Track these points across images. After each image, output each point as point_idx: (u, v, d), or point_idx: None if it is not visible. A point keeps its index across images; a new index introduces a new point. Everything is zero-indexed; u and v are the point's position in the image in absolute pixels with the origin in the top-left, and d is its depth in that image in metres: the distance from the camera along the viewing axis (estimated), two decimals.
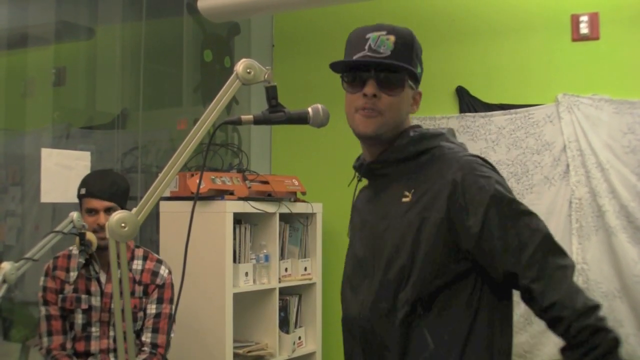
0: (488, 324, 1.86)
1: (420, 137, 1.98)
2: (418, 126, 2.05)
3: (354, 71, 1.96)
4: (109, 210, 3.18)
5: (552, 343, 4.14)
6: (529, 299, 1.80)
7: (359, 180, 2.16)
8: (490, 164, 1.93)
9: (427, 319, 1.85)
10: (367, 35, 1.94)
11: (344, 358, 2.11)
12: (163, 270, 3.38)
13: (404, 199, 1.91)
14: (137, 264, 3.35)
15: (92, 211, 3.20)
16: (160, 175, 1.76)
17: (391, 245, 1.91)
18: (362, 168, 2.09)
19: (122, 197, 3.27)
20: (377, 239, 1.97)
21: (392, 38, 1.92)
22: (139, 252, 3.40)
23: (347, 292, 2.09)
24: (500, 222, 1.80)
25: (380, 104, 1.93)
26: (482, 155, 1.97)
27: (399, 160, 1.98)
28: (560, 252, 1.85)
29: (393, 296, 1.88)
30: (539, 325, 4.11)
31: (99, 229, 3.13)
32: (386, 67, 1.92)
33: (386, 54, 1.91)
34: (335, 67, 2.00)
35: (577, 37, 4.33)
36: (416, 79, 1.99)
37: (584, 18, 4.29)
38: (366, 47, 1.93)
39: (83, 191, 3.23)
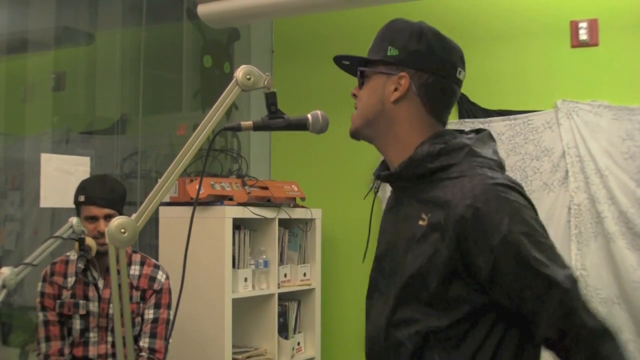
0: None
1: (439, 152, 1.76)
2: (446, 132, 1.85)
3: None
4: (108, 217, 3.18)
5: None
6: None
7: (376, 190, 1.99)
8: (518, 189, 1.70)
9: (440, 352, 1.70)
10: None
11: None
12: (160, 276, 3.38)
13: (420, 222, 1.73)
14: (135, 269, 3.35)
15: (92, 218, 3.20)
16: (160, 180, 1.76)
17: (402, 269, 1.76)
18: (380, 177, 1.90)
19: (120, 203, 3.27)
20: (393, 259, 1.83)
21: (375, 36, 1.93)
22: (137, 257, 3.40)
23: (367, 304, 1.95)
24: (512, 270, 1.61)
25: (356, 100, 1.93)
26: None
27: (416, 176, 1.79)
28: (584, 308, 1.63)
29: (403, 325, 1.75)
30: None
31: (99, 236, 3.13)
32: (353, 64, 1.93)
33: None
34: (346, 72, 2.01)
35: (576, 44, 4.34)
36: (389, 64, 1.83)
37: (583, 24, 4.30)
38: None
39: (82, 198, 3.22)
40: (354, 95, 1.93)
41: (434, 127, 1.86)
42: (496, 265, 1.61)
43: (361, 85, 1.90)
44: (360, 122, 1.89)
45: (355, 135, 1.94)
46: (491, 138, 1.88)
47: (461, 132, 1.88)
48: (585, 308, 1.63)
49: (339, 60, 1.96)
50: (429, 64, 1.83)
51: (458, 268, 1.65)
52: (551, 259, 1.63)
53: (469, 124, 4.49)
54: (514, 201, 1.65)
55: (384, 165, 1.94)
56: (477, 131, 1.89)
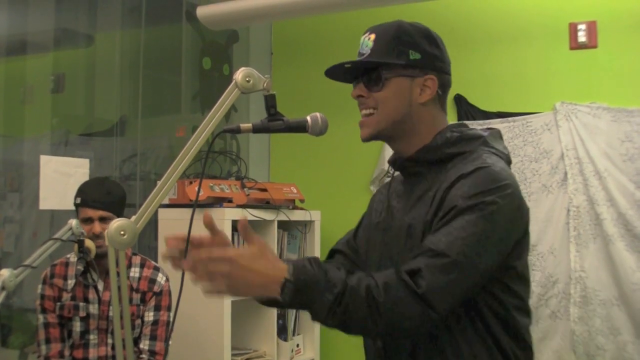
0: (503, 343, 1.81)
1: (457, 139, 1.91)
2: (461, 124, 1.99)
3: (350, 79, 2.01)
4: (103, 219, 3.18)
5: (550, 351, 4.15)
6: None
7: (392, 175, 2.08)
8: (512, 185, 1.80)
9: (440, 342, 1.80)
10: (360, 41, 1.99)
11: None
12: (160, 278, 3.38)
13: (433, 202, 1.84)
14: (135, 272, 3.35)
15: (87, 220, 3.20)
16: (160, 182, 1.76)
17: (406, 249, 1.85)
18: (396, 163, 2.02)
19: (118, 206, 3.27)
20: (397, 238, 1.91)
21: (372, 36, 1.95)
22: (136, 259, 3.40)
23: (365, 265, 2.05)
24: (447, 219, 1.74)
25: (370, 102, 1.94)
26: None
27: (432, 162, 1.92)
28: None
29: None
30: (536, 333, 4.12)
31: (94, 238, 3.13)
32: (365, 67, 1.94)
33: (367, 53, 1.94)
34: (335, 79, 2.03)
35: (575, 46, 4.34)
36: (413, 67, 1.92)
37: (582, 26, 4.30)
38: (357, 54, 1.98)
39: (78, 200, 3.23)
40: (360, 97, 1.96)
41: (444, 119, 2.00)
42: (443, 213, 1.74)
43: (377, 88, 1.93)
44: (386, 125, 1.94)
45: (375, 137, 1.97)
46: (501, 136, 2.02)
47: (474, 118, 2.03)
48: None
49: (337, 67, 1.97)
50: (444, 65, 1.97)
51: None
52: (478, 242, 1.70)
53: None
54: (500, 188, 1.75)
55: (396, 155, 2.03)
56: (490, 129, 2.01)
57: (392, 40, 1.93)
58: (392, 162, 2.04)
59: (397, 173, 2.07)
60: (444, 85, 1.97)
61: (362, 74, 1.96)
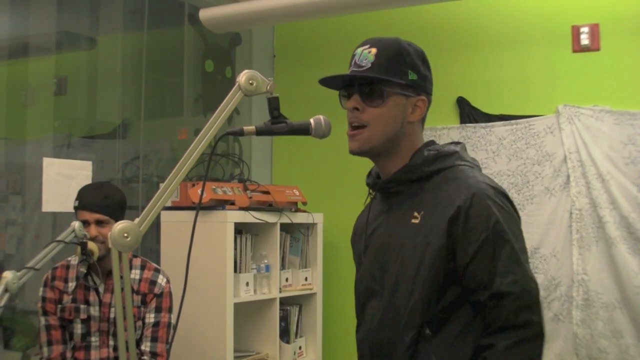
0: None
1: (435, 157, 1.99)
2: (433, 142, 2.07)
3: (343, 88, 2.03)
4: (100, 223, 3.18)
5: (553, 354, 4.14)
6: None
7: (373, 198, 2.16)
8: (504, 194, 1.94)
9: (434, 343, 1.86)
10: (355, 52, 2.01)
11: None
12: (161, 280, 3.38)
13: (413, 220, 1.93)
14: (135, 274, 3.35)
15: (84, 223, 3.20)
16: (163, 185, 1.76)
17: (398, 267, 1.93)
18: (376, 186, 2.09)
19: (116, 210, 3.26)
20: (385, 258, 1.99)
21: (373, 50, 1.97)
22: (137, 261, 3.40)
23: (359, 310, 2.14)
24: (490, 258, 1.84)
25: (363, 117, 1.96)
26: (483, 165, 1.99)
27: (412, 180, 1.99)
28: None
29: (399, 319, 1.90)
30: None
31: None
32: (366, 80, 1.96)
33: (367, 66, 1.95)
34: (325, 85, 2.06)
35: (578, 48, 4.34)
36: (410, 87, 1.98)
37: (585, 29, 4.30)
38: (352, 63, 2.00)
39: (76, 203, 3.24)
40: (355, 109, 1.97)
41: (421, 134, 2.09)
42: (479, 253, 1.83)
43: (374, 103, 1.96)
44: (378, 141, 1.98)
45: (366, 152, 2.01)
46: (466, 149, 2.13)
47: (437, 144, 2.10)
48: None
49: (334, 79, 2.01)
50: (431, 87, 2.06)
51: (444, 259, 1.86)
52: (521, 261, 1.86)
53: (471, 129, 4.49)
54: (501, 204, 1.89)
55: (374, 175, 2.11)
56: (455, 143, 2.12)
57: (395, 59, 1.96)
58: (372, 185, 2.10)
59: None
60: (428, 106, 2.06)
61: (358, 85, 1.97)
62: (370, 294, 2.03)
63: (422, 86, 2.00)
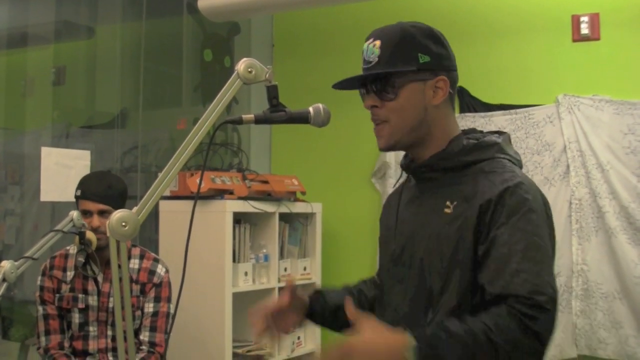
0: None
1: (474, 147, 1.90)
2: (474, 130, 2.00)
3: (361, 87, 1.97)
4: (103, 213, 3.17)
5: (552, 344, 4.13)
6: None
7: (407, 180, 2.07)
8: (542, 195, 1.84)
9: None
10: (363, 48, 1.95)
11: None
12: (160, 269, 3.38)
13: (446, 210, 1.84)
14: (134, 263, 3.35)
15: (86, 213, 3.19)
16: (161, 174, 1.75)
17: (427, 257, 1.85)
18: (409, 169, 2.00)
19: (118, 200, 3.25)
20: (415, 247, 1.91)
21: (377, 43, 1.90)
22: (136, 251, 3.40)
23: (380, 295, 2.05)
24: (508, 237, 1.73)
25: (382, 113, 1.91)
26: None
27: (447, 168, 1.91)
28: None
29: (425, 311, 1.84)
30: None
31: (92, 231, 3.12)
32: (374, 76, 1.91)
33: (374, 62, 1.90)
34: (341, 89, 2.00)
35: (578, 38, 4.33)
36: (424, 70, 1.88)
37: (585, 19, 4.29)
38: (362, 60, 1.95)
39: (78, 193, 3.22)
40: (374, 107, 1.92)
41: (455, 119, 1.99)
42: (498, 235, 1.73)
43: (389, 97, 1.90)
44: (402, 133, 1.91)
45: (393, 147, 1.95)
46: (510, 141, 2.02)
47: (481, 132, 2.01)
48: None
49: (348, 81, 1.95)
50: (451, 62, 1.95)
51: (475, 251, 1.76)
52: (538, 259, 1.71)
53: (470, 118, 4.48)
54: (534, 202, 1.78)
55: (408, 157, 2.02)
56: (499, 133, 2.00)
57: (399, 46, 1.89)
58: (405, 167, 2.01)
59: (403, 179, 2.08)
60: (454, 82, 1.95)
61: (371, 82, 1.92)
62: (397, 281, 1.95)
63: (438, 65, 1.90)
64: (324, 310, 2.11)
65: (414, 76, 1.88)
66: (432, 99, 1.90)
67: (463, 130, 1.98)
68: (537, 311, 1.63)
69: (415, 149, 1.96)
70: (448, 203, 1.84)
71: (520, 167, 1.94)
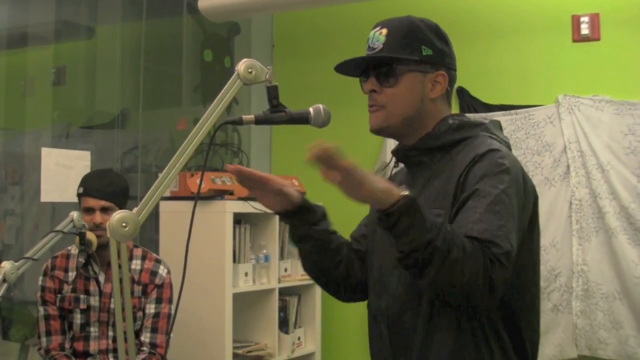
0: (512, 328, 1.84)
1: (459, 125, 1.94)
2: (461, 115, 2.02)
3: (361, 75, 2.01)
4: (105, 210, 3.18)
5: (552, 344, 4.14)
6: None
7: (396, 166, 2.09)
8: (520, 166, 1.87)
9: (449, 317, 1.80)
10: (368, 36, 1.98)
11: (369, 344, 2.08)
12: (162, 270, 3.38)
13: (436, 188, 1.88)
14: (136, 264, 3.35)
15: (89, 210, 3.19)
16: (161, 175, 1.75)
17: None
18: (398, 153, 2.03)
19: (120, 197, 3.26)
20: None
21: (384, 31, 1.95)
22: (137, 251, 3.40)
23: (376, 281, 2.04)
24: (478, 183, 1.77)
25: (380, 98, 1.94)
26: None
27: (434, 149, 1.94)
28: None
29: (419, 295, 1.85)
30: (542, 325, 4.10)
31: (95, 228, 3.12)
32: (378, 62, 1.94)
33: (378, 48, 1.94)
34: (342, 73, 2.03)
35: (578, 38, 4.33)
36: (426, 63, 1.93)
37: (585, 19, 4.28)
38: (366, 47, 1.98)
39: (81, 190, 3.23)
40: (373, 92, 1.95)
41: (449, 112, 2.02)
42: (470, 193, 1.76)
43: (390, 83, 1.93)
44: (398, 119, 1.94)
45: (383, 131, 1.99)
46: (501, 127, 2.09)
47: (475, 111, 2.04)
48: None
49: (346, 61, 1.97)
50: (452, 61, 2.00)
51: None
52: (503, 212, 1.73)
53: None
54: (511, 167, 1.81)
55: (399, 145, 2.04)
56: (490, 120, 2.06)
57: (406, 36, 1.93)
58: (395, 152, 2.04)
59: (401, 166, 2.08)
60: (452, 81, 2.00)
61: (373, 68, 1.96)
62: (393, 267, 1.93)
63: (439, 60, 1.96)
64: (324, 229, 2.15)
65: (415, 66, 1.93)
66: (430, 91, 1.95)
67: (451, 114, 2.01)
68: (494, 259, 1.65)
69: (405, 138, 1.99)
70: (435, 183, 1.89)
71: (509, 148, 1.98)
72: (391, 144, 2.06)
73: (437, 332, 1.82)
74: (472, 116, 4.45)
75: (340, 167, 1.66)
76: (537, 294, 1.92)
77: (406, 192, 1.62)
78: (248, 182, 1.98)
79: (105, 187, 3.22)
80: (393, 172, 2.15)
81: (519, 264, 1.77)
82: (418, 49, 1.93)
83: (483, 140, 1.90)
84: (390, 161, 2.09)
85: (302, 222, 2.11)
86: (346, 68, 2.00)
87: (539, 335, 1.95)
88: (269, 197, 2.07)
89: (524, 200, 1.84)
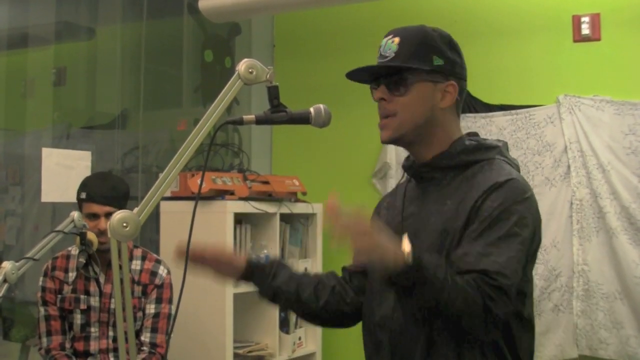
0: (511, 336, 1.86)
1: (475, 147, 1.97)
2: (475, 134, 2.05)
3: (372, 82, 2.01)
4: (109, 215, 3.17)
5: (553, 344, 4.14)
6: None
7: (409, 181, 2.10)
8: (534, 197, 1.92)
9: (451, 329, 1.82)
10: (380, 43, 2.00)
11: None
12: (162, 270, 3.38)
13: (447, 209, 1.89)
14: (136, 264, 3.35)
15: (93, 216, 3.20)
16: (162, 175, 1.75)
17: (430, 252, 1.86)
18: (411, 169, 2.04)
19: (123, 201, 3.27)
20: (419, 244, 1.87)
21: (396, 40, 1.95)
22: (138, 252, 3.40)
23: (372, 295, 2.05)
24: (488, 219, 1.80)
25: (391, 107, 1.95)
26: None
27: (448, 167, 1.96)
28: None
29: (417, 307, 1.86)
30: (539, 326, 4.11)
31: (99, 234, 3.13)
32: (389, 70, 1.95)
33: (390, 56, 1.94)
34: (353, 80, 2.04)
35: (579, 38, 4.32)
36: (437, 73, 1.95)
37: (585, 19, 4.28)
38: (378, 55, 1.99)
39: (83, 195, 3.22)
40: (382, 100, 1.96)
41: (459, 125, 2.05)
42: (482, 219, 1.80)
43: (400, 92, 1.94)
44: (408, 128, 1.95)
45: (395, 141, 2.00)
46: (508, 149, 2.09)
47: (483, 138, 2.06)
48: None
49: (362, 70, 1.98)
50: (463, 72, 2.03)
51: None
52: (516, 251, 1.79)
53: (471, 119, 4.47)
54: (526, 197, 1.87)
55: (410, 159, 2.06)
56: (498, 140, 2.08)
57: (418, 45, 1.94)
58: (407, 168, 2.05)
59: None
60: (462, 91, 2.02)
61: (384, 76, 1.96)
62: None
63: (450, 71, 1.97)
64: (289, 281, 2.10)
65: (426, 76, 1.94)
66: (440, 101, 1.96)
67: (467, 133, 2.04)
68: (498, 293, 1.70)
69: (416, 147, 2.00)
70: (448, 202, 1.89)
71: (518, 171, 2.01)
72: (392, 145, 2.05)
73: (438, 343, 1.84)
74: (476, 117, 4.46)
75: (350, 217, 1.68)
76: (532, 311, 1.96)
77: (409, 250, 1.66)
78: (196, 264, 2.07)
79: (109, 192, 3.22)
80: (401, 181, 2.15)
81: (521, 291, 1.84)
82: (430, 58, 1.94)
83: (501, 166, 1.93)
84: (403, 176, 2.12)
85: (261, 281, 2.10)
86: (357, 75, 2.00)
87: (534, 340, 1.97)
88: (220, 269, 2.13)
89: (536, 229, 1.88)
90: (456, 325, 1.77)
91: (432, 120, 1.96)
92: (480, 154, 1.96)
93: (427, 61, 1.93)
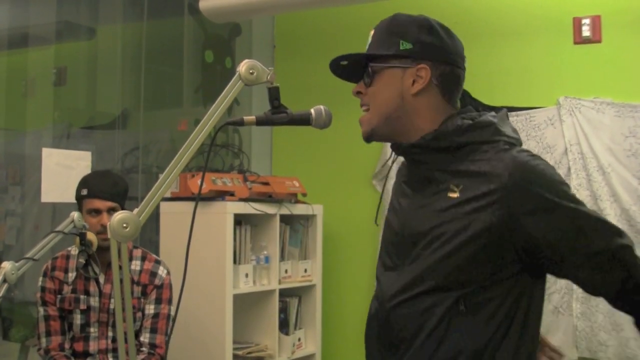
0: (521, 330, 1.80)
1: (469, 127, 1.82)
2: (469, 110, 1.93)
3: (354, 78, 1.97)
4: (111, 211, 3.18)
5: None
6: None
7: (393, 161, 2.05)
8: (544, 160, 1.80)
9: (465, 318, 1.74)
10: None
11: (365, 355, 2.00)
12: (161, 271, 3.38)
13: (450, 194, 1.77)
14: (136, 265, 3.35)
15: (95, 212, 3.20)
16: (162, 176, 1.75)
17: (426, 239, 1.78)
18: (399, 149, 1.90)
19: (123, 197, 3.28)
20: (410, 228, 1.85)
21: (371, 32, 1.94)
22: (137, 252, 3.40)
23: (378, 279, 1.96)
24: (568, 230, 1.73)
25: (364, 99, 1.92)
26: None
27: (439, 149, 1.83)
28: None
29: (417, 291, 1.78)
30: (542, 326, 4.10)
31: (102, 230, 3.13)
32: (357, 63, 1.91)
33: (366, 50, 1.92)
34: (341, 78, 2.01)
35: (579, 40, 4.32)
36: (403, 57, 1.85)
37: (586, 21, 4.28)
38: None
39: (85, 192, 3.22)
40: (359, 93, 1.92)
41: (444, 106, 1.91)
42: (554, 228, 1.71)
43: (369, 82, 1.89)
44: (378, 120, 1.89)
45: (372, 135, 1.92)
46: (508, 117, 1.96)
47: (478, 111, 1.95)
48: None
49: (336, 63, 1.94)
50: (445, 55, 1.89)
51: (494, 238, 1.70)
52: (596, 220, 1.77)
53: None
54: (546, 166, 1.77)
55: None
56: (495, 111, 1.94)
57: (384, 33, 1.90)
58: (396, 147, 1.92)
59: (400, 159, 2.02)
60: (444, 75, 1.88)
61: (354, 67, 1.93)
62: (390, 268, 1.89)
63: (421, 54, 1.85)
64: None
65: (391, 62, 1.87)
66: (411, 87, 1.86)
67: (460, 110, 1.93)
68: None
69: (396, 140, 1.90)
70: (453, 187, 1.78)
71: (520, 144, 1.88)
72: None
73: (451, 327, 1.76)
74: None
75: None
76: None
77: None
78: None
79: (111, 188, 3.23)
80: (393, 166, 2.11)
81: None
82: (395, 43, 1.86)
83: (503, 147, 1.79)
84: (390, 156, 2.06)
85: None
86: (344, 74, 1.97)
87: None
88: None
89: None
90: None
91: (406, 109, 1.86)
92: (474, 134, 1.82)
93: (392, 46, 1.86)
